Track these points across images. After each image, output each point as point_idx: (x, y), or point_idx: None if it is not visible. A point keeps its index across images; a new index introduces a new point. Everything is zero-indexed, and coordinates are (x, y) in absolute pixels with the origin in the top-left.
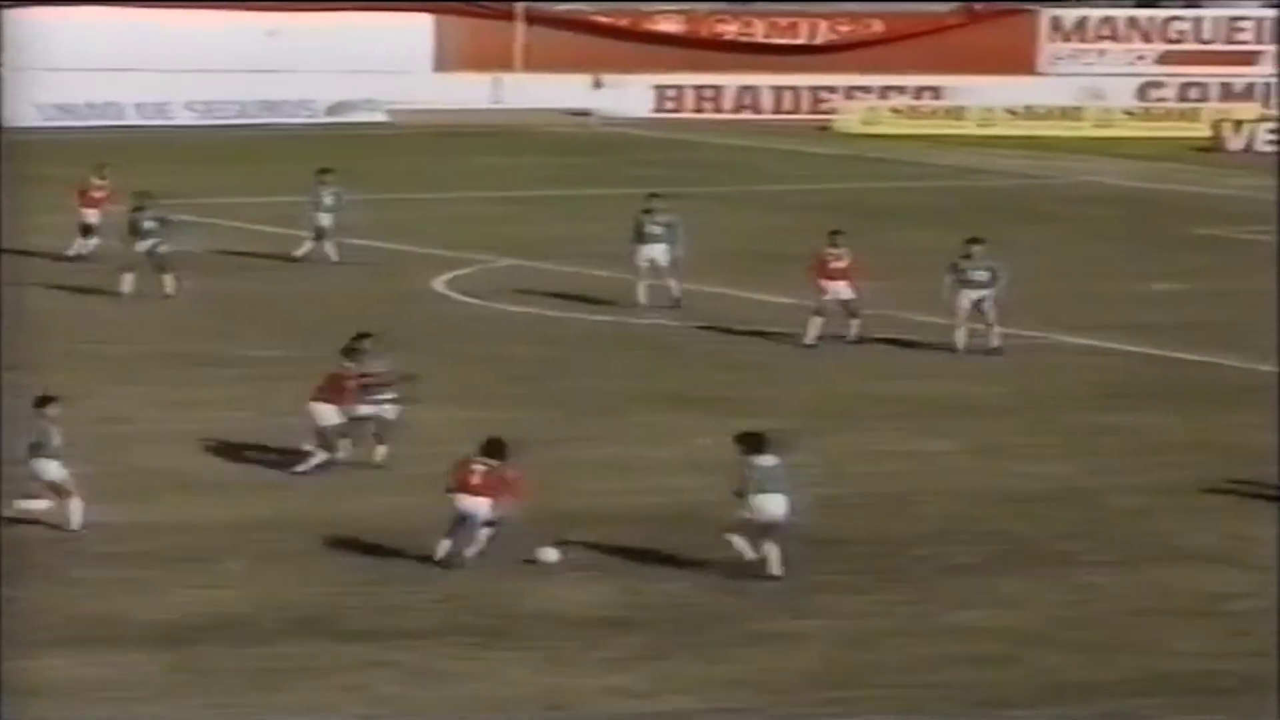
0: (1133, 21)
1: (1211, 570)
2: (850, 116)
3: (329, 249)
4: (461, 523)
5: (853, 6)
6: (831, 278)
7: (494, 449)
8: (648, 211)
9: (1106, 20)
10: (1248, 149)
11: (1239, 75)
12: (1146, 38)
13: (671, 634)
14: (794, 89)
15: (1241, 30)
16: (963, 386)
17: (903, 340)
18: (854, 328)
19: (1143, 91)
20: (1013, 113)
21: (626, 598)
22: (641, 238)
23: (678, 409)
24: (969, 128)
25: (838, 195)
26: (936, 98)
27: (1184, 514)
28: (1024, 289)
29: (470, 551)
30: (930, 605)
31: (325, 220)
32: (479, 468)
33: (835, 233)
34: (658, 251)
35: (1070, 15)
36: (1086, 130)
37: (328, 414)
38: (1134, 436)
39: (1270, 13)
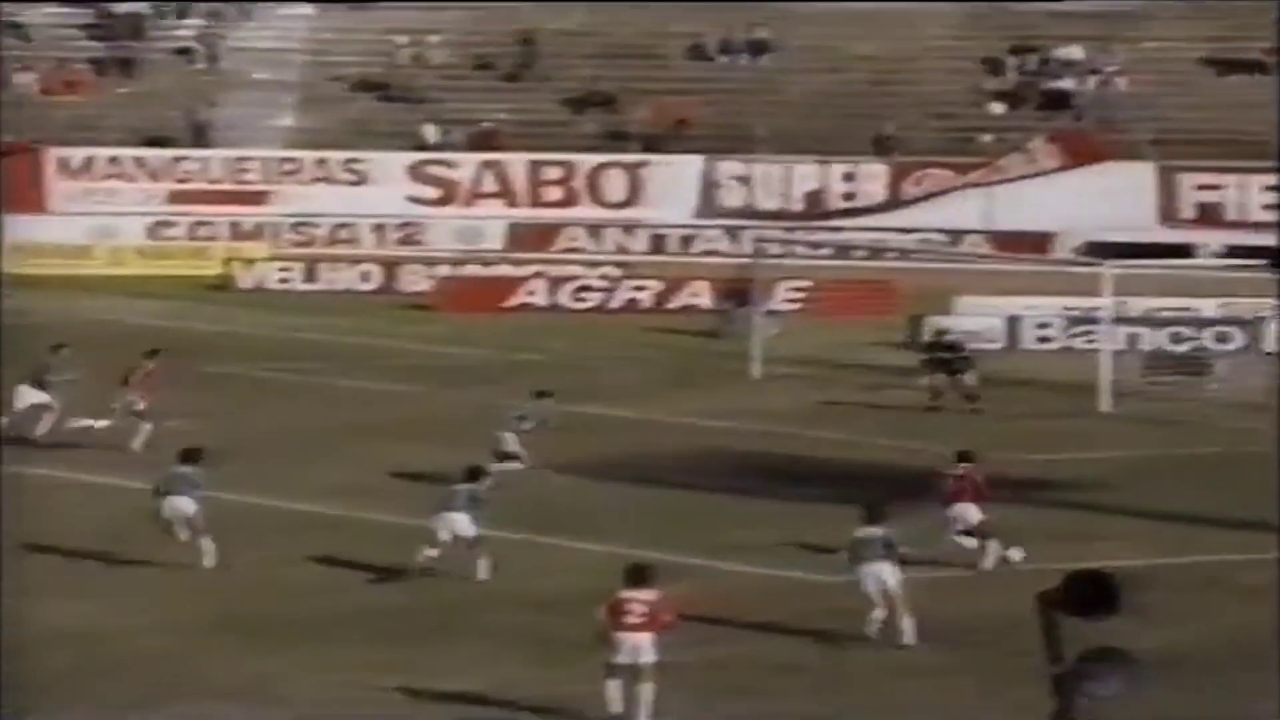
0: (141, 161)
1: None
2: None
3: None
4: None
5: None
6: None
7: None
8: None
9: (114, 160)
10: (258, 287)
11: (248, 214)
12: (155, 177)
13: None
14: None
15: (248, 171)
16: None
17: None
18: None
19: (154, 230)
20: (23, 250)
21: None
22: None
23: None
24: None
25: None
26: None
27: (208, 653)
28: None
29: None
30: None
31: None
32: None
33: None
34: None
35: (77, 155)
36: (99, 269)
37: None
38: (157, 576)
39: (276, 153)
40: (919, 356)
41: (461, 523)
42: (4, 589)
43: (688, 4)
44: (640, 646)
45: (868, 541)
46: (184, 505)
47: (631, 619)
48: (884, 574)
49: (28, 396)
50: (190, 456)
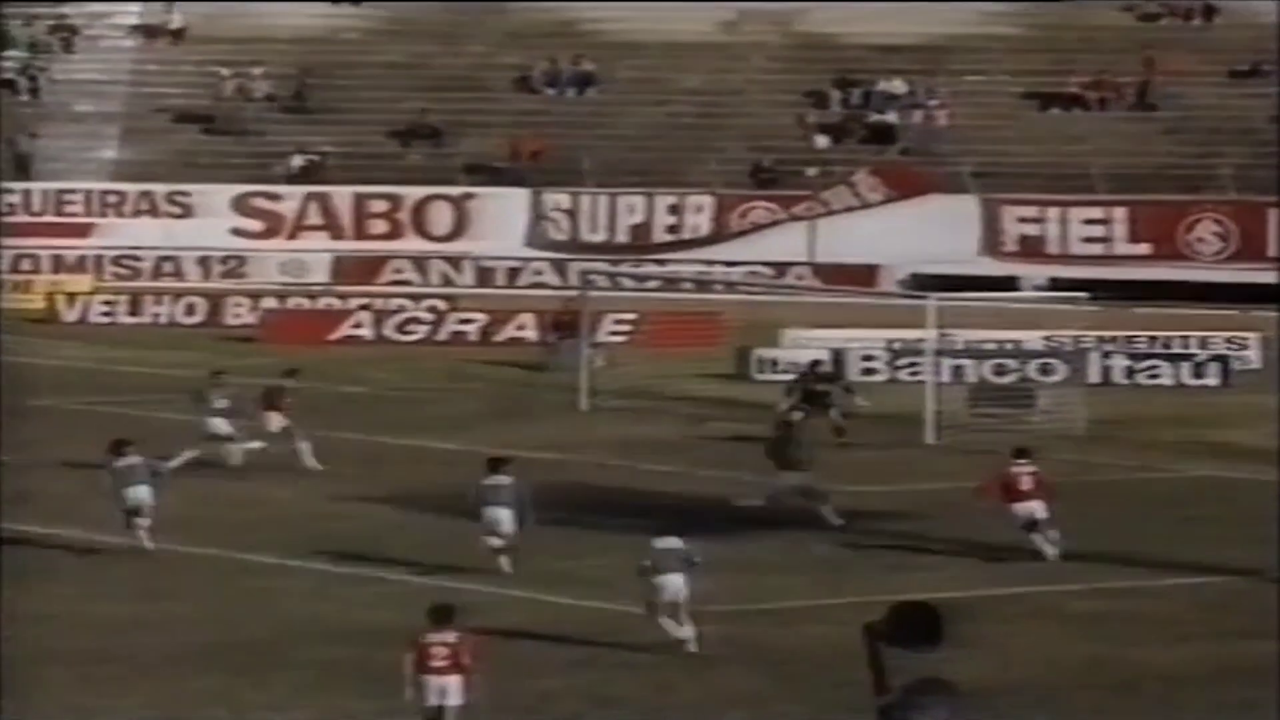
0: None
1: None
2: None
3: None
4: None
5: None
6: None
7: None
8: None
9: None
10: (82, 320)
11: (71, 247)
12: None
13: None
14: None
15: (72, 203)
16: None
17: None
18: None
19: None
20: None
21: None
22: None
23: None
24: None
25: None
26: None
27: (30, 687)
28: None
29: None
30: None
31: None
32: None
33: None
34: None
35: None
36: None
37: None
38: None
39: (100, 185)
40: (790, 387)
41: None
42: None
43: (516, 38)
44: (446, 689)
45: (666, 553)
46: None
47: (435, 662)
48: (680, 584)
49: (217, 427)
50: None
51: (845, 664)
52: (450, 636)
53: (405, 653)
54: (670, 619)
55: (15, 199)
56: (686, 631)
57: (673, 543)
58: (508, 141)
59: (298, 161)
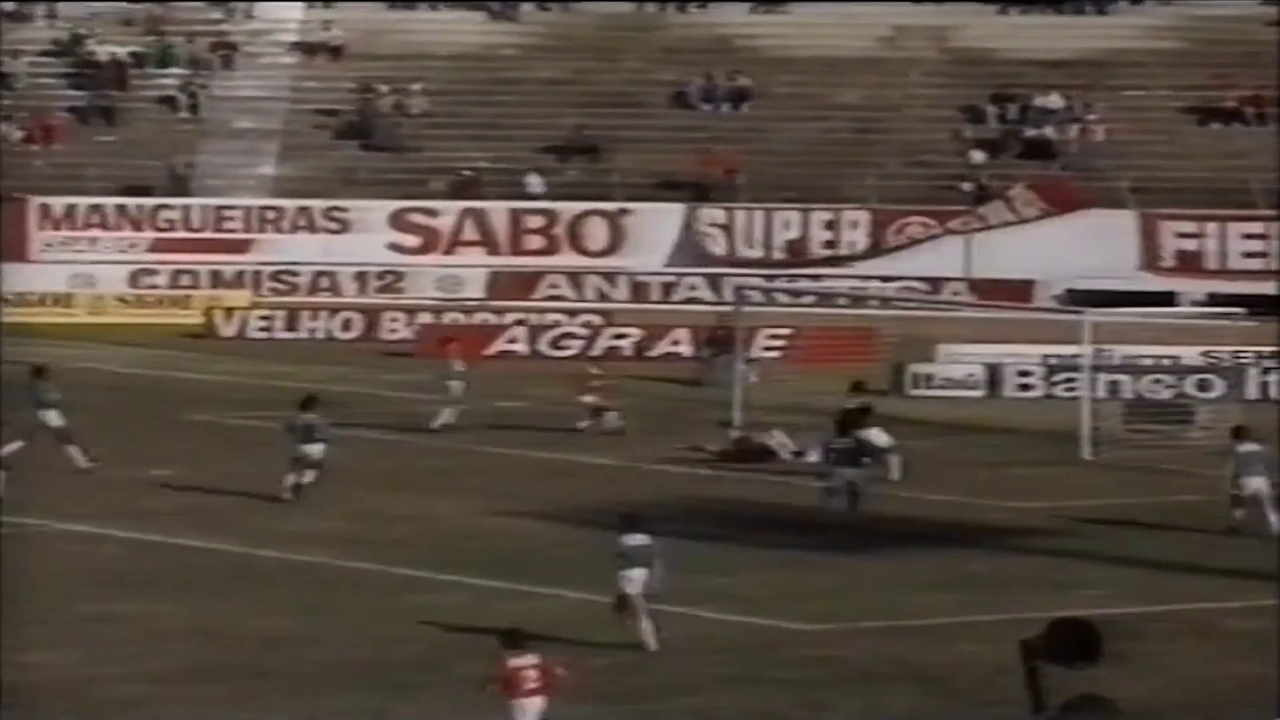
0: (122, 209)
1: None
2: None
3: None
4: None
5: None
6: None
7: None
8: None
9: (96, 208)
10: (239, 335)
11: (229, 263)
12: (137, 226)
13: None
14: None
15: (230, 219)
16: None
17: None
18: None
19: (135, 278)
20: (4, 299)
21: None
22: None
23: None
24: None
25: None
26: None
27: (185, 702)
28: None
29: None
30: None
31: None
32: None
33: None
34: None
35: (58, 203)
36: (80, 317)
37: None
38: (132, 624)
39: (258, 201)
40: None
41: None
42: None
43: (672, 54)
44: (535, 710)
45: (636, 549)
46: None
47: (529, 685)
48: (642, 579)
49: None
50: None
51: (1002, 681)
52: (533, 659)
53: (490, 678)
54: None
55: (175, 215)
56: (646, 625)
57: (641, 539)
58: (697, 158)
59: (458, 170)
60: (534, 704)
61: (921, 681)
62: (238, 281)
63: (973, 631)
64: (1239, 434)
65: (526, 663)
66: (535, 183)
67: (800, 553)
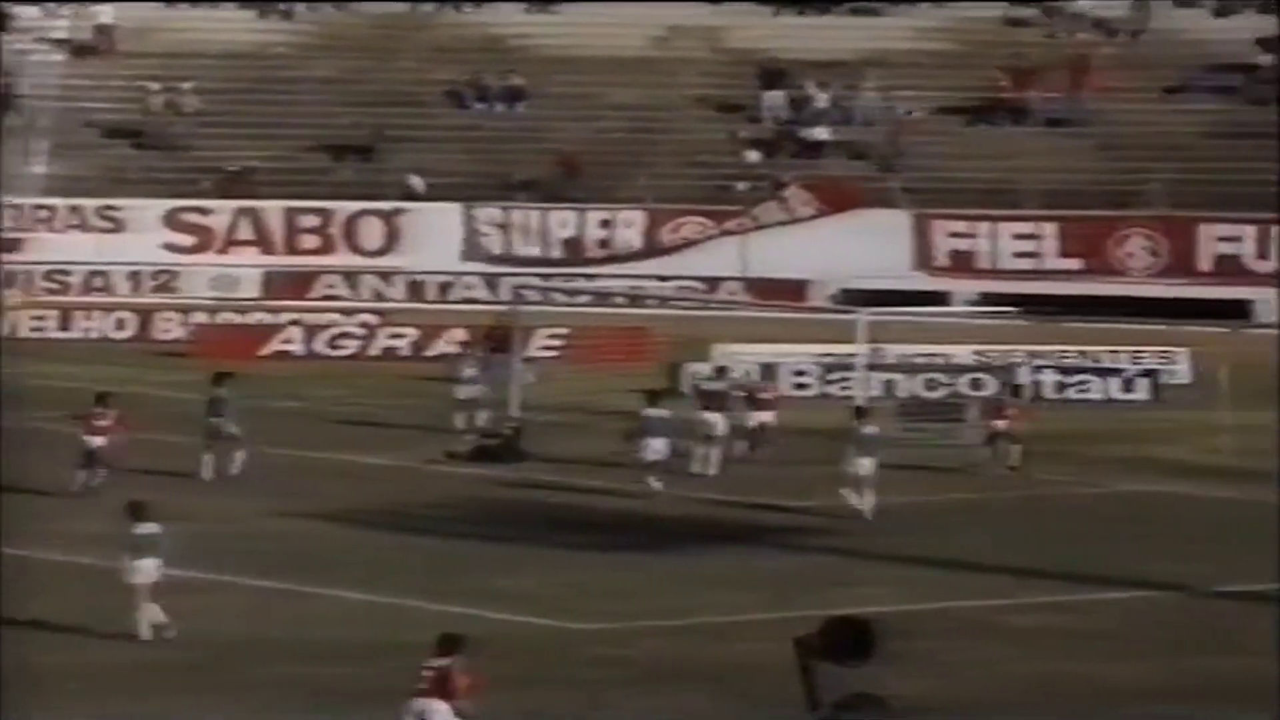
0: None
1: None
2: None
3: None
4: None
5: None
6: None
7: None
8: None
9: None
10: (12, 335)
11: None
12: None
13: None
14: None
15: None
16: None
17: None
18: None
19: None
20: None
21: None
22: None
23: None
24: None
25: None
26: None
27: None
28: None
29: None
30: None
31: None
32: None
33: None
34: None
35: None
36: None
37: None
38: None
39: (30, 200)
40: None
41: None
42: None
43: (447, 53)
44: (426, 711)
45: (145, 538)
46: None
47: (420, 684)
48: (153, 568)
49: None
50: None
51: (785, 680)
52: (443, 661)
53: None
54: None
55: None
56: (147, 614)
57: (152, 528)
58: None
59: (228, 168)
60: (423, 704)
61: (707, 680)
62: (9, 281)
63: (758, 630)
64: (860, 415)
65: (433, 664)
66: (417, 183)
67: (590, 553)
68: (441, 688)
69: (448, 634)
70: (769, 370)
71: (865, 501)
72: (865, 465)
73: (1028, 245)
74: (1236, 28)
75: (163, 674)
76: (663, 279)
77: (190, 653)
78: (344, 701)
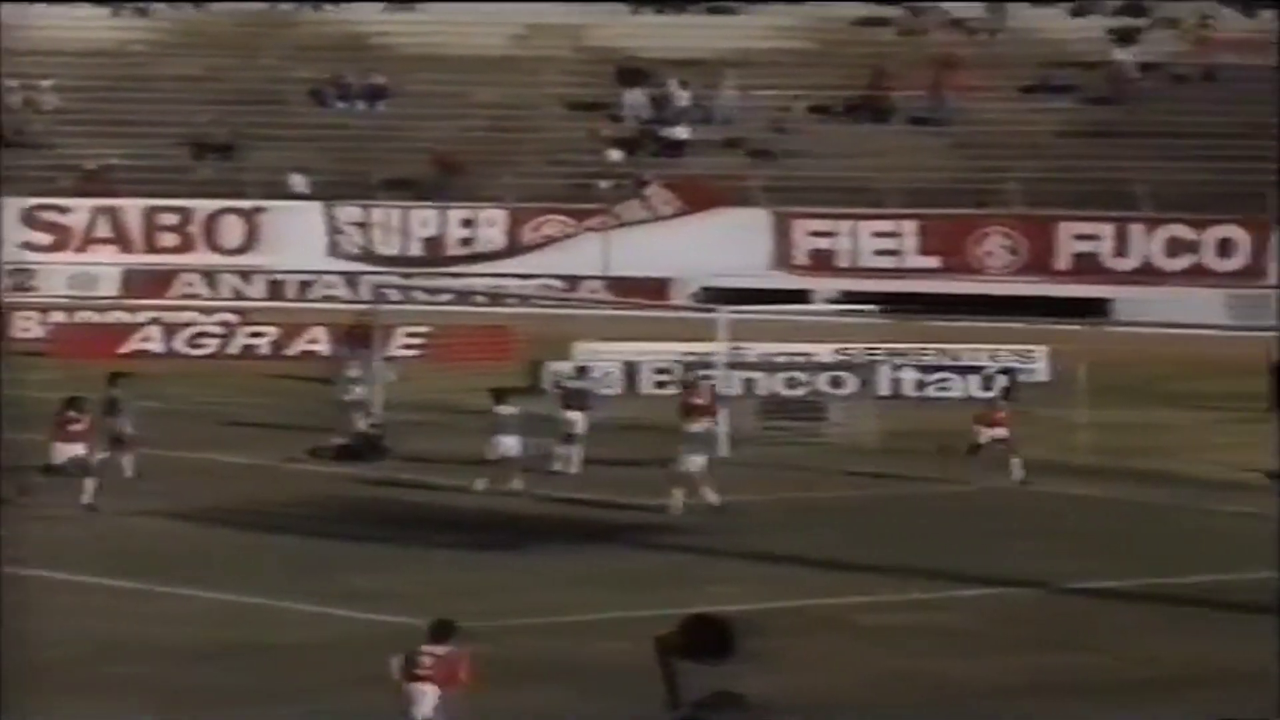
0: None
1: None
2: None
3: None
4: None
5: None
6: None
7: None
8: None
9: None
10: None
11: None
12: None
13: None
14: None
15: None
16: None
17: None
18: None
19: None
20: None
21: None
22: None
23: None
24: None
25: None
26: None
27: None
28: None
29: None
30: None
31: None
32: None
33: None
34: None
35: None
36: None
37: None
38: None
39: None
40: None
41: None
42: None
43: (308, 52)
44: (422, 697)
45: None
46: None
47: (419, 671)
48: None
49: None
50: None
51: (644, 678)
52: (443, 649)
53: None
54: None
55: None
56: None
57: None
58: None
59: (87, 166)
60: (420, 690)
61: (566, 679)
62: None
63: (616, 628)
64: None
65: (429, 651)
66: (299, 182)
67: (452, 551)
68: (449, 675)
69: (442, 620)
70: (631, 368)
71: (710, 498)
72: (696, 463)
73: (888, 244)
74: (1093, 26)
75: (13, 675)
76: (525, 277)
77: (43, 653)
78: (201, 702)
